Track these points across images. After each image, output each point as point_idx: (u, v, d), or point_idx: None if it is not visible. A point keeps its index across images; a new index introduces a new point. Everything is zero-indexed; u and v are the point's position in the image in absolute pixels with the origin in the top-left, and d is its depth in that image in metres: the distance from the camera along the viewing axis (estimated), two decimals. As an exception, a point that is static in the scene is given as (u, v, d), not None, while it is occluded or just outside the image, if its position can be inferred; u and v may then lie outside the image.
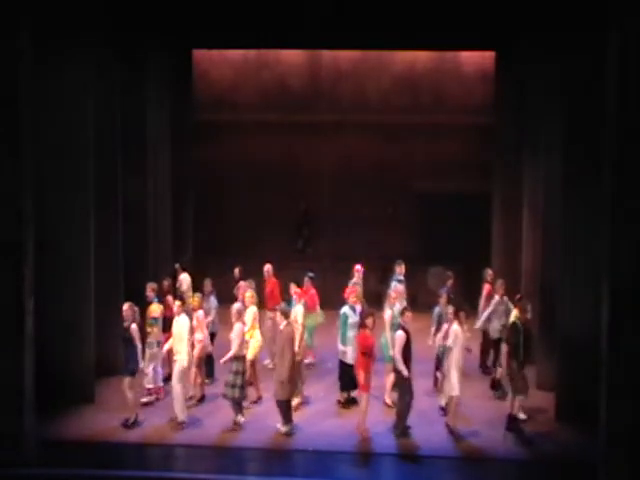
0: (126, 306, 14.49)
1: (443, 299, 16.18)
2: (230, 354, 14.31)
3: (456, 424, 14.30)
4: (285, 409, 14.23)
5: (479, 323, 16.81)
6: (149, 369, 15.48)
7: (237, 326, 14.51)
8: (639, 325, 11.78)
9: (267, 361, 17.08)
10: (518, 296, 15.72)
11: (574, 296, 14.80)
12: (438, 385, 15.61)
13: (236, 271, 18.08)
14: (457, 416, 14.37)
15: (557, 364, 15.27)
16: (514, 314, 15.15)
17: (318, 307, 17.49)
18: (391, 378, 15.11)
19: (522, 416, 14.52)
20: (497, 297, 16.58)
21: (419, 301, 19.76)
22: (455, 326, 14.28)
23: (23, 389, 12.78)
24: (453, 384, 14.17)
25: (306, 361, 16.52)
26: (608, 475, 12.04)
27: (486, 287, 17.40)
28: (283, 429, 14.19)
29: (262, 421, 14.59)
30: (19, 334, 12.73)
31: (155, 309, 15.69)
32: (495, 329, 16.38)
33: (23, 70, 12.80)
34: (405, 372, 13.88)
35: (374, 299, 19.02)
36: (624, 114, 11.91)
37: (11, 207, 12.69)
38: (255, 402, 15.44)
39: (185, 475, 13.11)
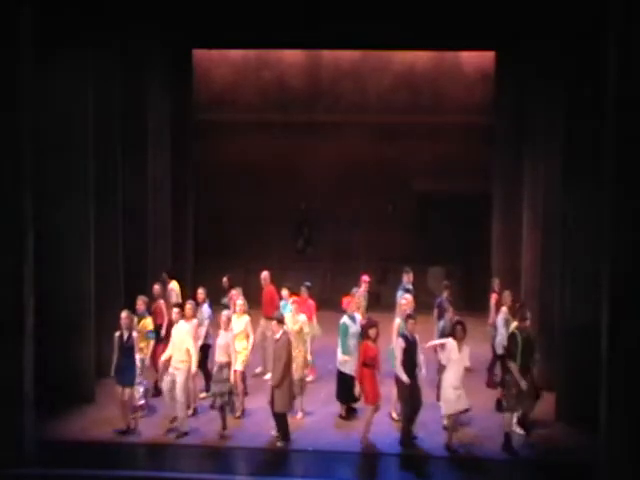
0: (124, 314, 14.06)
1: (450, 313, 15.88)
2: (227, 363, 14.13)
3: (453, 439, 13.91)
4: (282, 423, 13.91)
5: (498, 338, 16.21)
6: (142, 384, 15.07)
7: (222, 334, 14.26)
8: (639, 325, 11.79)
9: (259, 369, 16.98)
10: (518, 305, 15.56)
11: (574, 296, 14.80)
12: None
13: (224, 280, 17.70)
14: (455, 431, 13.98)
15: (557, 364, 15.28)
16: (514, 324, 15.00)
17: (315, 319, 17.08)
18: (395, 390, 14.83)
19: (519, 431, 14.15)
20: (504, 309, 16.25)
21: (419, 302, 19.71)
22: (450, 341, 13.83)
23: (23, 389, 12.77)
24: (452, 402, 13.65)
25: (307, 379, 16.13)
26: (608, 475, 12.05)
27: (494, 297, 17.28)
28: (276, 435, 13.97)
29: (261, 422, 14.53)
30: (19, 334, 12.73)
31: (149, 323, 15.18)
32: (499, 344, 15.99)
33: (23, 70, 12.80)
34: (404, 378, 13.66)
35: (373, 300, 19.06)
36: (624, 114, 11.91)
37: (11, 207, 12.69)
38: (239, 417, 15.01)
39: (185, 475, 13.12)
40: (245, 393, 15.36)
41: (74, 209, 15.44)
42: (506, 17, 18.54)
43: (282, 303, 16.63)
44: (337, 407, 15.45)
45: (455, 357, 13.67)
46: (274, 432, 14.04)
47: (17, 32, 12.71)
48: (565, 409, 14.90)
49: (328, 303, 18.56)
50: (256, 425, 14.56)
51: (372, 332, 13.95)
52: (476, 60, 23.84)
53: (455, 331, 13.83)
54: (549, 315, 16.32)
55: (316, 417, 15.19)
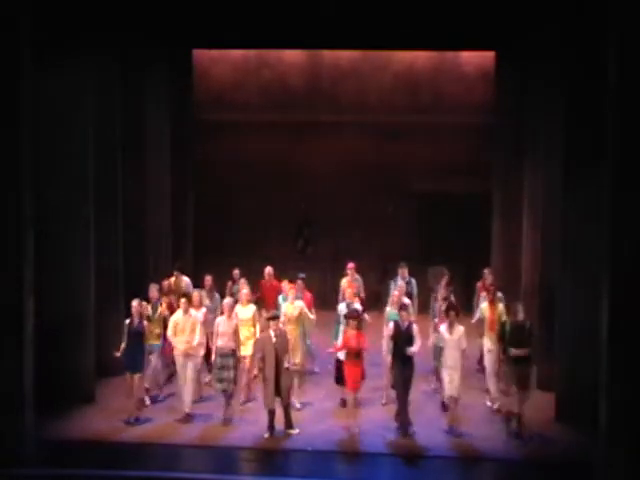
0: (135, 303, 14.61)
1: (441, 294, 16.20)
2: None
3: (455, 424, 14.30)
4: (289, 412, 14.40)
5: (474, 319, 16.60)
6: (150, 369, 15.53)
7: (225, 322, 14.78)
8: (639, 325, 11.79)
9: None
10: (492, 288, 15.82)
11: (574, 296, 14.80)
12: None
13: (236, 272, 17.95)
14: (456, 416, 14.37)
15: (557, 364, 15.28)
16: (484, 306, 15.48)
17: (313, 310, 17.30)
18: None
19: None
20: (484, 294, 16.41)
21: (418, 301, 19.69)
22: (443, 327, 14.30)
23: (23, 389, 12.78)
24: (446, 384, 14.22)
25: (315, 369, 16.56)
26: (608, 475, 12.05)
27: (479, 285, 17.44)
28: (294, 431, 14.28)
29: (261, 421, 14.56)
30: (19, 334, 12.74)
31: (164, 309, 15.80)
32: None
33: (23, 70, 12.81)
34: (388, 364, 14.23)
35: (374, 299, 19.04)
36: (624, 114, 11.91)
37: (11, 207, 12.69)
38: (252, 400, 15.60)
39: (185, 475, 13.12)
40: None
41: (74, 209, 15.45)
42: (506, 17, 18.52)
43: (281, 297, 16.71)
44: (336, 405, 15.54)
45: (447, 338, 14.11)
46: (267, 434, 14.18)
47: (17, 32, 12.72)
48: (565, 409, 14.89)
49: (328, 303, 18.54)
50: (256, 424, 14.57)
51: (352, 323, 14.26)
52: (476, 60, 23.82)
53: (449, 315, 14.33)
54: (549, 314, 16.31)
55: (315, 416, 15.19)
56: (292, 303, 15.80)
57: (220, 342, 14.69)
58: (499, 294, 15.75)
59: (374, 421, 14.71)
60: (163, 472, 13.04)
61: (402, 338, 14.21)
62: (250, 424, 14.67)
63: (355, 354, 14.17)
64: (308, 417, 15.09)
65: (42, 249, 14.41)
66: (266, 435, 14.15)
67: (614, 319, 12.00)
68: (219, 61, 24.43)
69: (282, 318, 15.32)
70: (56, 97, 15.12)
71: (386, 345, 14.46)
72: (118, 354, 14.57)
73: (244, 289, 16.14)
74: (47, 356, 14.45)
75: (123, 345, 14.53)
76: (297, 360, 15.15)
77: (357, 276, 17.97)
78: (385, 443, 14.03)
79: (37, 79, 13.76)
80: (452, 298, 16.29)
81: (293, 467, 13.58)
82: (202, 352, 15.10)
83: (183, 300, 15.14)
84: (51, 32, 14.78)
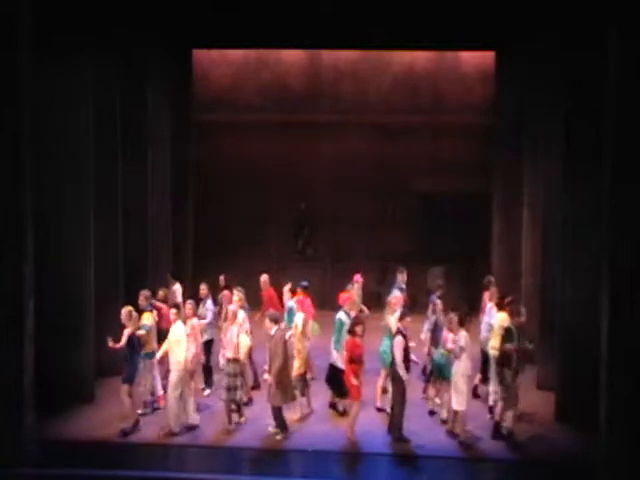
0: (124, 310, 14.25)
1: (439, 307, 15.96)
2: (228, 357, 14.54)
3: (464, 434, 14.11)
4: (277, 415, 14.20)
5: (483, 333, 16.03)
6: (145, 380, 15.17)
7: (232, 329, 14.57)
8: (639, 325, 11.79)
9: (266, 367, 17.09)
10: (508, 299, 15.30)
11: (574, 296, 14.80)
12: (428, 393, 15.58)
13: (221, 278, 17.89)
14: (464, 426, 14.18)
15: (557, 364, 15.27)
16: (501, 317, 14.91)
17: (312, 319, 17.20)
18: (380, 383, 15.25)
19: (507, 426, 14.08)
20: (490, 304, 16.08)
21: (419, 302, 19.73)
22: (464, 334, 13.94)
23: (23, 389, 12.78)
24: (461, 398, 13.88)
25: (308, 376, 16.20)
26: (608, 475, 12.05)
27: (486, 294, 17.01)
28: (273, 430, 14.21)
29: (261, 422, 14.58)
30: (19, 334, 12.73)
31: (147, 317, 15.08)
32: (484, 341, 15.75)
33: (23, 70, 12.80)
34: (405, 376, 13.83)
35: (373, 300, 19.04)
36: (624, 114, 11.92)
37: (11, 207, 12.69)
38: (246, 404, 15.41)
39: (185, 475, 13.12)
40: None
41: (74, 209, 15.44)
42: (506, 17, 18.53)
43: (289, 303, 16.70)
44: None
45: (467, 346, 13.86)
46: (271, 428, 14.22)
47: (17, 32, 12.72)
48: (565, 409, 14.89)
49: (328, 303, 18.54)
50: (256, 424, 14.58)
51: (358, 329, 14.08)
52: (476, 60, 23.84)
53: (466, 321, 14.02)
54: (549, 315, 16.31)
55: (316, 416, 15.20)
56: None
57: (227, 351, 14.62)
58: (522, 308, 15.35)
59: (374, 421, 14.69)
60: (163, 472, 13.04)
61: (407, 347, 14.08)
62: (250, 424, 14.66)
63: (360, 361, 14.02)
64: (309, 420, 15.06)
65: (42, 249, 14.40)
66: (271, 428, 14.16)
67: (614, 319, 12.00)
68: (219, 62, 24.45)
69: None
70: (56, 96, 15.11)
71: (400, 358, 13.91)
72: (111, 344, 14.16)
73: (234, 295, 16.00)
74: (47, 356, 14.44)
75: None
76: (296, 366, 15.03)
77: (359, 289, 17.72)
78: (385, 443, 14.01)
79: (38, 78, 13.76)
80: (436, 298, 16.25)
81: (293, 467, 13.59)
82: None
83: (173, 311, 14.77)
84: (51, 31, 14.78)
